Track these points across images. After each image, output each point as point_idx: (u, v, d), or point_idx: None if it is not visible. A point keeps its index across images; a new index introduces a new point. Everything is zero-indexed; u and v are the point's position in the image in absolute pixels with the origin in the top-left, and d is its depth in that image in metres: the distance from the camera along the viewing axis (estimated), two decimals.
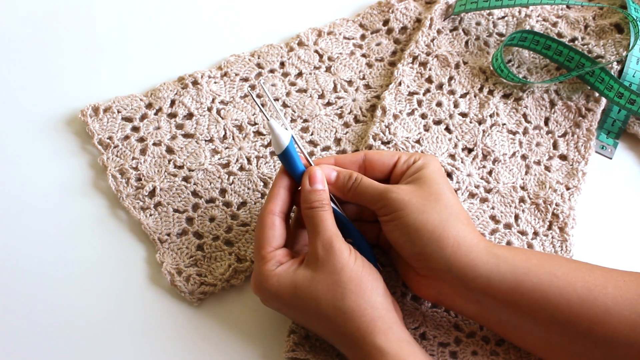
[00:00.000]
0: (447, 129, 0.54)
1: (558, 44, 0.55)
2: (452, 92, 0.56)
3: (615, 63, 0.56)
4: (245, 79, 0.57)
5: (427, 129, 0.54)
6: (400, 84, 0.56)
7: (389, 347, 0.39)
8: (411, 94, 0.56)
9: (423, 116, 0.55)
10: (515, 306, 0.41)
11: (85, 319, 0.47)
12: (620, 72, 0.55)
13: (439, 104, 0.55)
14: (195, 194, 0.51)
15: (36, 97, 0.56)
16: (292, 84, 0.57)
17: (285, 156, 0.43)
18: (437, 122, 0.54)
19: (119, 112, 0.54)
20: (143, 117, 0.54)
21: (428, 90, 0.56)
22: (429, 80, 0.57)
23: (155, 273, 0.48)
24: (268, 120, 0.43)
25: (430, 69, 0.57)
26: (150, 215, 0.50)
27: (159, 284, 0.48)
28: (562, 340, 0.40)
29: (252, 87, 0.56)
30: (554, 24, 0.59)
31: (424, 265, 0.42)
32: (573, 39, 0.58)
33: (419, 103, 0.55)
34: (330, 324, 0.41)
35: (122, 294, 0.48)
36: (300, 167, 0.44)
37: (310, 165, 0.45)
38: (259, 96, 0.56)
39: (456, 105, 0.55)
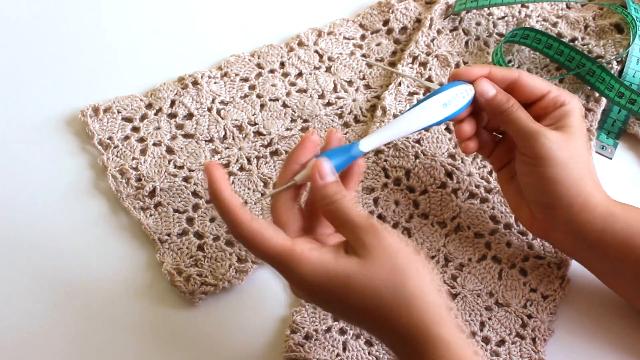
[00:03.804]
0: (447, 129, 0.54)
1: (559, 43, 0.55)
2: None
3: (615, 63, 0.56)
4: (245, 79, 0.57)
5: (427, 129, 0.54)
6: (400, 84, 0.56)
7: (450, 338, 0.37)
8: (411, 94, 0.56)
9: None
10: (621, 260, 0.43)
11: (84, 319, 0.47)
12: (621, 72, 0.55)
13: None
14: (195, 194, 0.51)
15: (36, 98, 0.56)
16: (292, 84, 0.57)
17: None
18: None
19: (119, 112, 0.54)
20: (143, 117, 0.54)
21: (428, 90, 0.56)
22: (429, 80, 0.57)
23: (156, 273, 0.48)
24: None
25: (430, 69, 0.57)
26: (151, 215, 0.50)
27: (159, 284, 0.48)
28: None
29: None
30: (554, 24, 0.59)
31: (545, 212, 0.44)
32: (573, 39, 0.58)
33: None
34: (389, 315, 0.37)
35: (122, 294, 0.48)
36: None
37: None
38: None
39: None
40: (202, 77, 0.56)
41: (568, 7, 0.61)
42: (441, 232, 0.50)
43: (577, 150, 0.43)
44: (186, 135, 0.53)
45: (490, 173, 0.52)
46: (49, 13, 0.60)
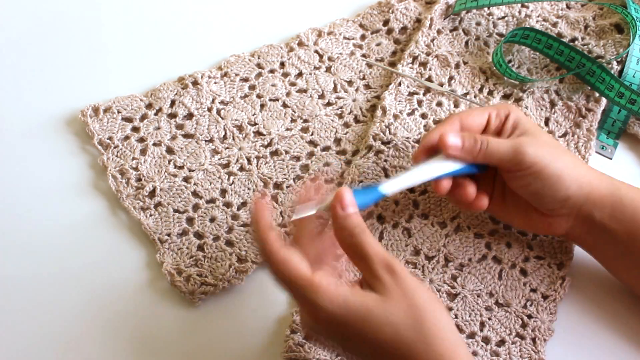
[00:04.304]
0: None
1: (559, 43, 0.55)
2: (452, 92, 0.56)
3: (615, 63, 0.56)
4: (246, 79, 0.57)
5: (427, 128, 0.54)
6: (400, 84, 0.56)
7: None
8: (411, 94, 0.56)
9: (423, 116, 0.55)
10: (630, 236, 0.44)
11: (85, 319, 0.47)
12: (621, 72, 0.55)
13: (439, 104, 0.55)
14: (195, 194, 0.51)
15: (36, 98, 0.56)
16: (292, 84, 0.57)
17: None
18: (438, 122, 0.54)
19: (119, 112, 0.54)
20: (143, 117, 0.54)
21: (428, 90, 0.56)
22: (429, 80, 0.57)
23: (156, 273, 0.48)
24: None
25: (430, 69, 0.57)
26: (151, 215, 0.50)
27: (159, 284, 0.48)
28: None
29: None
30: (554, 24, 0.59)
31: (561, 205, 0.45)
32: (573, 39, 0.58)
33: (419, 103, 0.55)
34: (408, 352, 0.37)
35: (122, 294, 0.48)
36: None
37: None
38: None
39: (456, 105, 0.55)
40: (202, 77, 0.56)
41: (568, 7, 0.61)
42: (441, 232, 0.50)
43: (551, 143, 0.45)
44: (186, 135, 0.53)
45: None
46: (48, 13, 0.60)
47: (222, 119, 0.54)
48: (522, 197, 0.46)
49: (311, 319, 0.39)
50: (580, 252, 0.49)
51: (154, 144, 0.53)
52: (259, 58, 0.58)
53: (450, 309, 0.47)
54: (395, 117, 0.54)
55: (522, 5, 0.60)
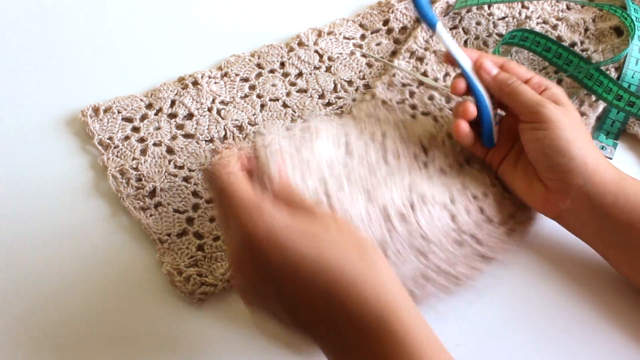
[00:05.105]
0: (435, 119, 0.53)
1: (558, 46, 0.55)
2: (446, 87, 0.55)
3: (613, 70, 0.55)
4: (246, 79, 0.57)
5: (413, 117, 0.53)
6: (394, 75, 0.56)
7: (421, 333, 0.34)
8: (404, 85, 0.56)
9: (412, 107, 0.54)
10: (633, 227, 0.44)
11: (84, 319, 0.47)
12: (619, 74, 0.55)
13: (431, 98, 0.55)
14: (195, 194, 0.51)
15: (36, 98, 0.56)
16: (292, 84, 0.57)
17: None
18: (425, 114, 0.54)
19: (119, 112, 0.54)
20: (143, 117, 0.54)
21: (421, 84, 0.56)
22: (425, 74, 0.57)
23: (156, 273, 0.49)
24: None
25: (427, 64, 0.57)
26: (151, 215, 0.50)
27: (159, 285, 0.48)
28: None
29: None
30: (554, 27, 0.59)
31: (562, 177, 0.45)
32: (573, 44, 0.58)
33: (411, 94, 0.55)
34: (352, 279, 0.34)
35: (121, 295, 0.48)
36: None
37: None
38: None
39: (448, 101, 0.55)
40: (202, 77, 0.56)
41: (568, 8, 0.61)
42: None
43: (576, 120, 0.46)
44: (186, 136, 0.54)
45: (467, 161, 0.51)
46: (47, 14, 0.60)
47: (223, 119, 0.54)
48: (531, 166, 0.46)
49: (248, 246, 0.35)
50: (580, 251, 0.49)
51: (154, 144, 0.53)
52: (259, 58, 0.58)
53: (394, 228, 0.44)
54: (383, 102, 0.54)
55: (523, 6, 0.60)
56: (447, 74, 0.56)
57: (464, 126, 0.48)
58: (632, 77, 0.55)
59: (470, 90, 0.48)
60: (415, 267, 0.43)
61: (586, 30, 0.59)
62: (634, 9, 0.57)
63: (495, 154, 0.49)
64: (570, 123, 0.45)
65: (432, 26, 0.47)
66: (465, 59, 0.47)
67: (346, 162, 0.46)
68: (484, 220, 0.47)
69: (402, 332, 0.33)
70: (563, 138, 0.44)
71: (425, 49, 0.57)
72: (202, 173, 0.41)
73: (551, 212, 0.47)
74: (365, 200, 0.44)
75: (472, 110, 0.47)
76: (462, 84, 0.47)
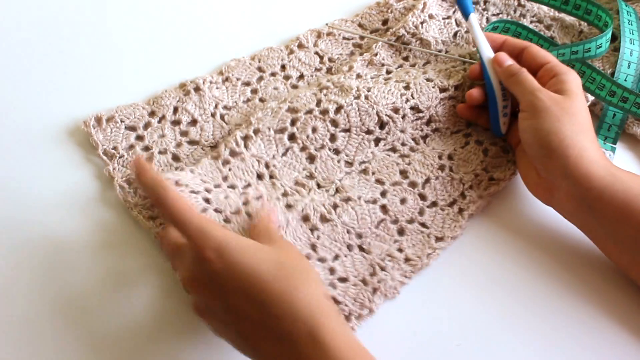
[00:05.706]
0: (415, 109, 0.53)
1: (539, 37, 0.56)
2: (425, 73, 0.55)
3: (607, 68, 0.56)
4: (247, 83, 0.57)
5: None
6: (376, 54, 0.56)
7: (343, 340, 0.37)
8: (383, 65, 0.56)
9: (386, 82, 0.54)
10: (620, 222, 0.44)
11: (94, 330, 0.46)
12: (612, 76, 0.55)
13: (407, 73, 0.55)
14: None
15: (37, 108, 0.55)
16: (294, 86, 0.57)
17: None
18: (406, 87, 0.53)
19: (122, 121, 0.53)
20: (147, 125, 0.54)
21: (401, 67, 0.56)
22: (406, 59, 0.57)
23: (169, 282, 0.48)
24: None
25: (410, 50, 0.57)
26: (160, 224, 0.50)
27: (175, 296, 0.48)
28: None
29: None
30: (548, 27, 0.59)
31: (545, 167, 0.46)
32: None
33: (388, 72, 0.56)
34: (292, 289, 0.37)
35: (135, 308, 0.47)
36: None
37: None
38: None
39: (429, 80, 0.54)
40: (203, 82, 0.55)
41: None
42: (344, 169, 0.51)
43: (572, 109, 0.46)
44: (191, 142, 0.53)
45: (424, 138, 0.53)
46: (48, 22, 0.59)
47: (227, 124, 0.54)
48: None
49: (198, 261, 0.38)
50: (580, 251, 0.50)
51: (160, 152, 0.52)
52: (259, 61, 0.58)
53: (316, 228, 0.47)
54: (358, 76, 0.55)
55: (519, 4, 0.61)
56: (427, 62, 0.57)
57: (463, 106, 0.53)
58: (625, 80, 0.55)
59: (483, 78, 0.52)
60: (358, 259, 0.47)
61: (580, 32, 0.60)
62: (627, 11, 0.57)
63: (513, 139, 0.52)
64: (560, 114, 0.45)
65: (466, 15, 0.52)
66: (487, 50, 0.51)
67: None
68: (426, 205, 0.50)
69: (330, 340, 0.36)
70: (544, 129, 0.45)
71: (413, 35, 0.58)
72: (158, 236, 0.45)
73: (543, 199, 0.49)
74: (285, 210, 0.48)
75: (475, 95, 0.51)
76: (477, 71, 0.52)
